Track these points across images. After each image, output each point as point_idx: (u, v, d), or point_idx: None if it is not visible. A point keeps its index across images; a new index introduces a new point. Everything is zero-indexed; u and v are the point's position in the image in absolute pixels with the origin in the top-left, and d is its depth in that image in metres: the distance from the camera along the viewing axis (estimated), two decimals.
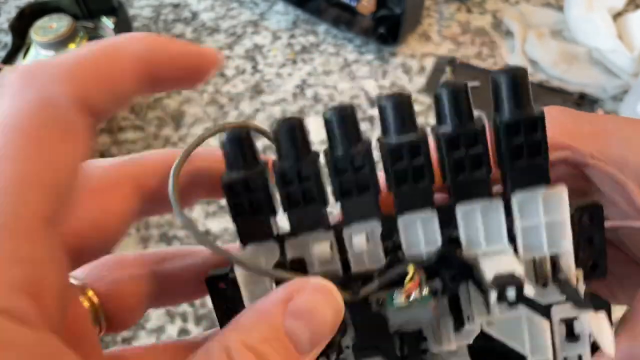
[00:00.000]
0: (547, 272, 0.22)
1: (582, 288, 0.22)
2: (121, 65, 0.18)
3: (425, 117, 0.68)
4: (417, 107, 0.69)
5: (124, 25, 0.75)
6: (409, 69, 0.73)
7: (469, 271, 0.21)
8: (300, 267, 0.22)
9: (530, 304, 0.21)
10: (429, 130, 0.21)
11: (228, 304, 0.22)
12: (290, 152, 0.21)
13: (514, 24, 0.75)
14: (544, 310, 0.22)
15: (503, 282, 0.19)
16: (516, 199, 0.21)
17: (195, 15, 0.81)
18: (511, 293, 0.19)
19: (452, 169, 0.21)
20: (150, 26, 0.80)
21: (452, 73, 0.72)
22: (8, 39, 0.75)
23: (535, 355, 0.22)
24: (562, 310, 0.22)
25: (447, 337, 0.22)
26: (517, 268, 0.20)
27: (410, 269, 0.20)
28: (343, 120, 0.20)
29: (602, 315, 0.21)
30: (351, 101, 0.70)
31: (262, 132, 0.23)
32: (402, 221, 0.21)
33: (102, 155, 0.67)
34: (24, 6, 0.73)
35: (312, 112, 0.69)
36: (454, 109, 0.20)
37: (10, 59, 0.70)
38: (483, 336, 0.22)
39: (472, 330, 0.22)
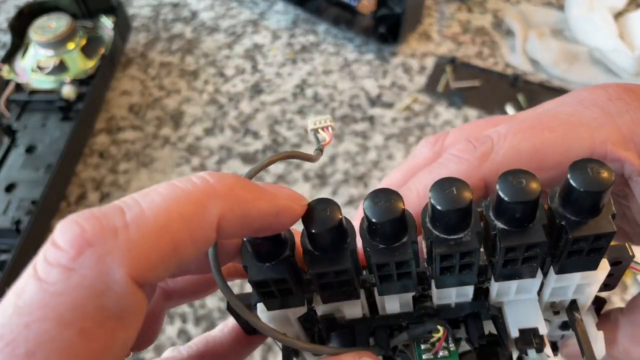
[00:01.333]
0: (563, 306, 0.22)
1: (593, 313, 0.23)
2: (194, 238, 0.16)
3: (425, 117, 0.67)
4: (417, 107, 0.68)
5: (123, 24, 0.75)
6: (409, 69, 0.73)
7: (494, 319, 0.22)
8: (329, 319, 0.22)
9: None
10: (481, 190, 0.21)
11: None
12: (326, 250, 0.19)
13: (515, 24, 0.75)
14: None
15: (525, 342, 0.20)
16: (556, 277, 0.20)
17: (194, 14, 0.81)
18: (532, 356, 0.20)
19: (503, 264, 0.19)
20: (149, 25, 0.80)
21: (452, 72, 0.72)
22: (7, 38, 0.74)
23: None
24: (559, 320, 0.23)
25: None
26: (541, 325, 0.20)
27: (440, 329, 0.21)
28: (389, 225, 0.18)
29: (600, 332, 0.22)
30: (350, 101, 0.69)
31: (307, 159, 0.22)
32: (437, 291, 0.21)
33: (102, 154, 0.67)
34: (23, 5, 0.72)
35: (311, 111, 0.69)
36: (519, 218, 0.18)
37: (9, 58, 0.70)
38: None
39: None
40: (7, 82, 0.68)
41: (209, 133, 0.68)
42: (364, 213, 0.18)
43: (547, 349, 0.20)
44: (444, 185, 0.18)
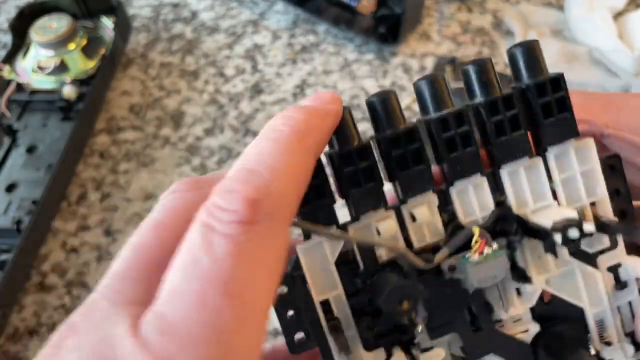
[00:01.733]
0: (589, 220, 0.23)
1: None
2: (314, 164, 0.20)
3: None
4: (417, 107, 0.69)
5: (123, 24, 0.75)
6: (409, 69, 0.73)
7: (525, 227, 0.23)
8: (366, 250, 0.23)
9: (580, 256, 0.24)
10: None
11: (291, 306, 0.23)
12: (344, 139, 0.23)
13: (515, 24, 0.75)
14: (593, 261, 0.24)
15: (564, 225, 0.21)
16: (552, 153, 0.23)
17: (194, 14, 0.81)
18: (573, 232, 0.21)
19: (494, 133, 0.23)
20: (149, 26, 0.80)
21: (452, 72, 0.72)
22: (8, 38, 0.75)
23: (593, 308, 0.24)
24: (607, 259, 0.24)
25: (512, 302, 0.24)
26: (571, 213, 0.22)
27: (476, 231, 0.22)
28: (385, 103, 0.23)
29: None
30: (351, 101, 0.70)
31: None
32: (455, 189, 0.23)
33: (102, 155, 0.67)
34: (23, 6, 0.73)
35: None
36: (484, 82, 0.23)
37: (10, 58, 0.70)
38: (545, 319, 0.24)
39: (533, 291, 0.24)
40: (8, 82, 0.68)
41: (209, 133, 0.68)
42: (368, 108, 0.24)
43: (587, 225, 0.21)
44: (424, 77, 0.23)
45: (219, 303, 0.16)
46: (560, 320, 0.24)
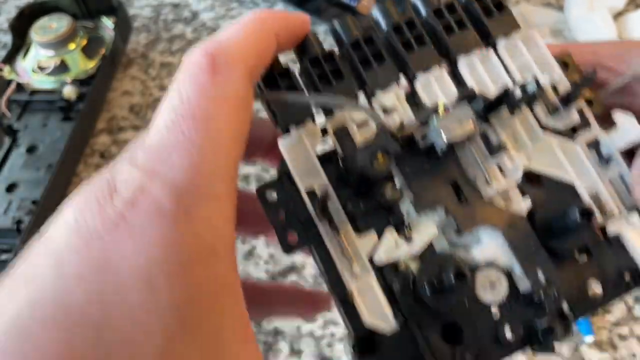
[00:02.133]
0: (551, 97, 0.25)
1: (587, 111, 0.25)
2: (272, 44, 0.23)
3: None
4: None
5: (123, 24, 0.75)
6: None
7: (489, 102, 0.24)
8: (343, 133, 0.24)
9: (554, 130, 0.25)
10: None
11: (282, 208, 0.23)
12: (313, 47, 0.25)
13: None
14: (570, 135, 0.25)
15: (522, 83, 0.24)
16: (501, 44, 0.26)
17: (195, 15, 0.81)
18: (531, 86, 0.23)
19: (444, 33, 0.25)
20: (150, 26, 0.80)
21: None
22: (8, 38, 0.75)
23: (582, 181, 0.24)
24: (584, 137, 0.25)
25: (495, 176, 0.24)
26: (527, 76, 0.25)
27: (440, 103, 0.23)
28: (343, 22, 0.26)
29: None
30: None
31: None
32: (419, 82, 0.25)
33: (102, 155, 0.67)
34: (23, 6, 0.73)
35: None
36: (426, 1, 0.26)
37: (10, 58, 0.70)
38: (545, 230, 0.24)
39: (515, 167, 0.24)
40: (9, 82, 0.68)
41: None
42: (332, 35, 0.26)
43: (543, 77, 0.24)
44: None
45: (189, 127, 0.19)
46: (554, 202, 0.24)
